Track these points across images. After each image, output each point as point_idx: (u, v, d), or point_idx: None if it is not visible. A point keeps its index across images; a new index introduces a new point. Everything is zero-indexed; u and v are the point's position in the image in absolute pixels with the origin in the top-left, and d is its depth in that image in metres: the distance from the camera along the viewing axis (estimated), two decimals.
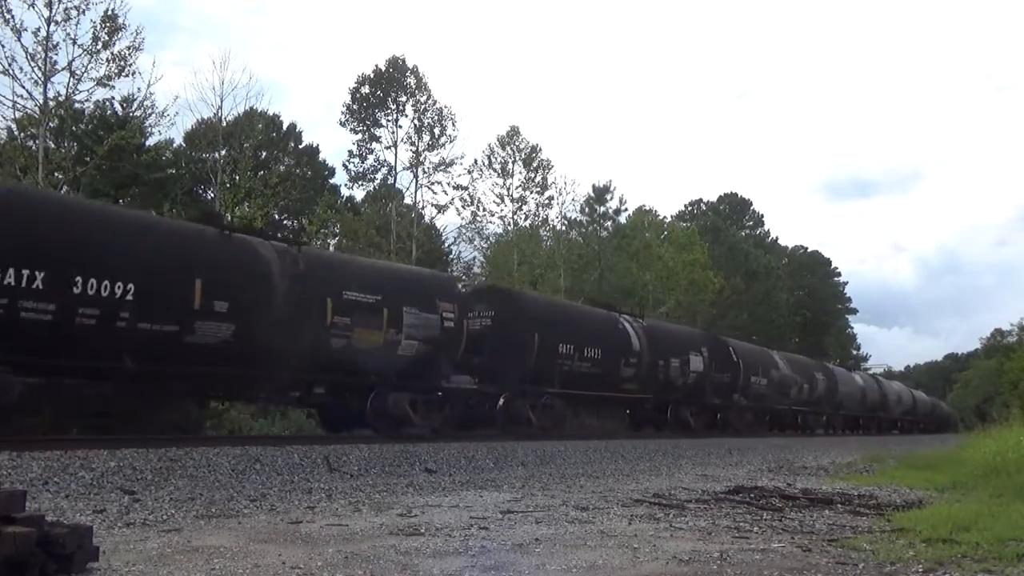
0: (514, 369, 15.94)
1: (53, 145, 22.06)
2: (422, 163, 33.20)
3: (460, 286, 17.35)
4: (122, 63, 19.72)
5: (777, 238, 71.70)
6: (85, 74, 19.30)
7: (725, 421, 24.41)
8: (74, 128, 24.80)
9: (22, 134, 21.52)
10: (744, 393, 24.80)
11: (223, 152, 25.51)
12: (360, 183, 35.68)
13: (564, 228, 38.94)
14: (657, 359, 20.37)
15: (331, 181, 41.11)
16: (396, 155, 33.36)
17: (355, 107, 34.22)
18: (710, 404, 23.38)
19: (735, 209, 68.26)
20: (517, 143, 37.15)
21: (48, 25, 18.57)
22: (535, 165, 37.00)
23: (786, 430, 28.72)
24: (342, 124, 34.50)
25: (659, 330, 22.06)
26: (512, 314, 16.43)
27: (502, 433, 14.99)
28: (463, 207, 35.54)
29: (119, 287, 9.81)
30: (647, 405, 20.76)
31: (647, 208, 45.18)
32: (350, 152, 34.84)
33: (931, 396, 58.41)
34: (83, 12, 19.01)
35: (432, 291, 14.48)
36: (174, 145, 32.05)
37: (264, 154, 35.50)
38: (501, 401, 15.67)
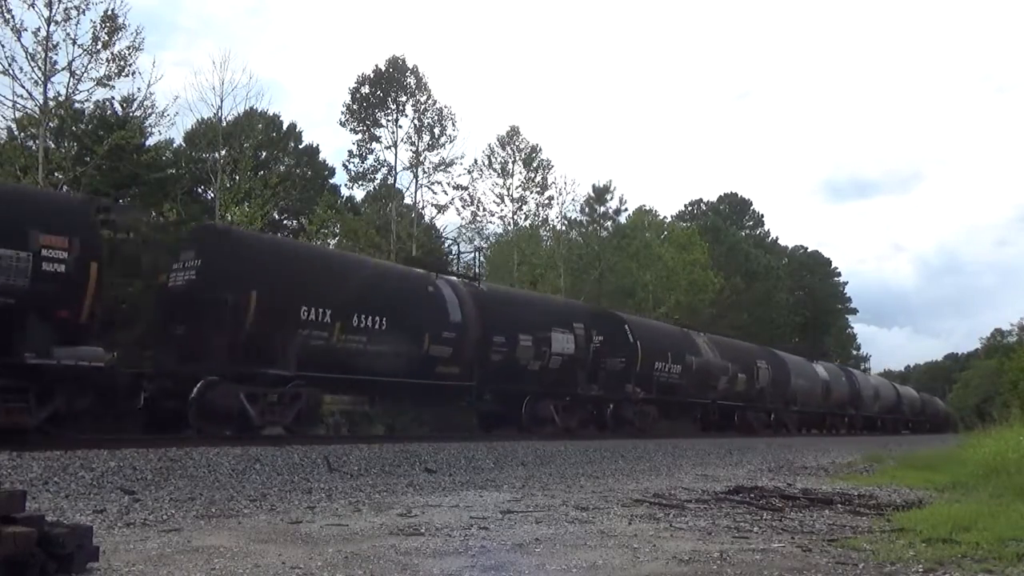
0: (217, 341, 11.27)
1: (53, 145, 22.05)
2: (422, 163, 33.20)
3: (100, 210, 11.14)
4: (122, 63, 19.71)
5: (777, 238, 71.85)
6: (85, 74, 19.28)
7: (618, 418, 19.59)
8: (74, 128, 24.78)
9: (22, 134, 21.52)
10: (643, 383, 19.95)
11: (223, 152, 25.48)
12: (360, 183, 35.64)
13: (564, 228, 38.94)
14: (491, 335, 15.60)
15: (331, 181, 41.15)
16: (396, 155, 33.35)
17: (355, 107, 34.18)
18: (587, 396, 18.46)
19: (735, 209, 68.29)
20: (517, 143, 37.13)
21: (48, 25, 18.55)
22: (535, 165, 36.99)
23: (726, 430, 24.19)
24: (342, 124, 34.47)
25: (500, 298, 16.90)
26: (222, 263, 11.73)
27: (198, 436, 10.87)
28: (463, 207, 35.56)
29: None
30: (481, 395, 15.81)
31: (647, 208, 45.26)
32: (350, 152, 34.80)
33: (925, 393, 56.07)
34: (83, 12, 19.00)
35: (14, 213, 9.67)
36: (174, 145, 32.07)
37: (264, 154, 35.49)
38: (196, 388, 10.90)
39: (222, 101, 24.20)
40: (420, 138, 33.21)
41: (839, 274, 79.05)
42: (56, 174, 20.70)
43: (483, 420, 17.40)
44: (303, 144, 41.76)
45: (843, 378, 35.33)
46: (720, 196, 68.87)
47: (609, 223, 42.07)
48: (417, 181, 33.25)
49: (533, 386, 16.93)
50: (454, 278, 16.18)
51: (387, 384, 13.98)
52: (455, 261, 37.80)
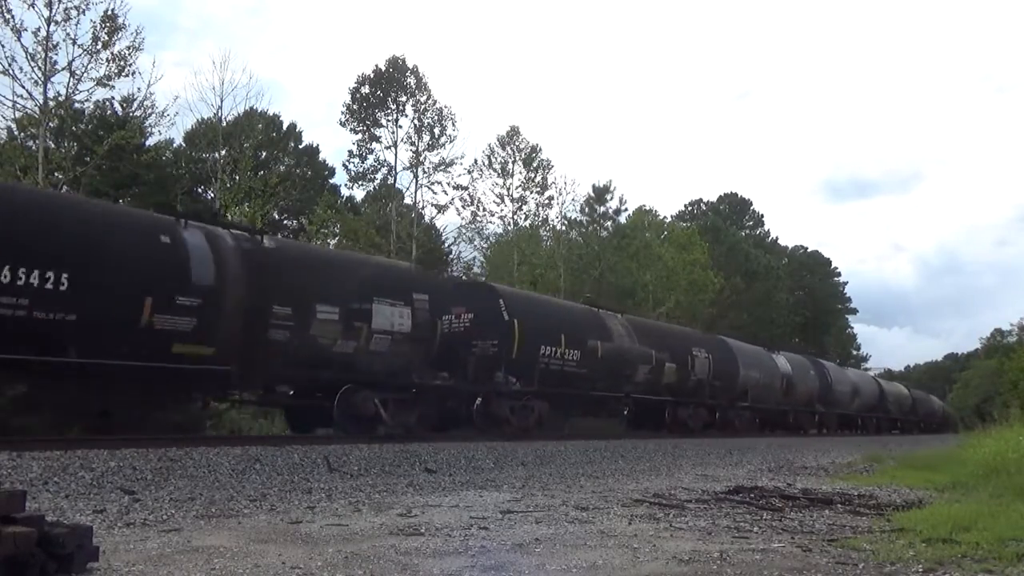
0: None
1: (53, 145, 22.06)
2: (422, 163, 33.21)
3: None
4: (122, 63, 19.74)
5: (777, 238, 71.93)
6: (85, 74, 19.32)
7: (489, 415, 15.82)
8: (74, 128, 24.80)
9: (22, 134, 21.54)
10: (522, 371, 16.09)
11: (223, 152, 25.51)
12: (360, 183, 35.68)
13: (564, 228, 38.97)
14: (269, 304, 11.78)
15: (331, 181, 41.21)
16: (396, 155, 33.36)
17: (355, 107, 34.19)
18: (432, 387, 14.52)
19: (735, 209, 68.34)
20: (517, 143, 37.17)
21: (48, 25, 18.58)
22: (535, 165, 37.03)
23: (661, 429, 20.86)
24: (342, 124, 34.50)
25: (289, 257, 13.13)
26: None
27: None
28: (463, 207, 35.58)
29: None
30: (249, 385, 12.52)
31: (647, 208, 45.27)
32: (350, 152, 34.83)
33: (919, 391, 53.60)
34: (83, 12, 19.03)
35: None
36: (174, 145, 32.10)
37: (264, 154, 35.52)
38: None
39: (222, 101, 24.28)
40: (420, 138, 33.25)
41: (839, 274, 79.24)
42: (56, 174, 20.71)
43: (292, 417, 14.34)
44: (303, 144, 41.83)
45: (811, 371, 31.48)
46: (720, 196, 69.01)
47: (609, 223, 42.12)
48: (417, 181, 33.29)
49: (345, 373, 12.96)
50: (219, 228, 12.19)
51: (83, 368, 10.05)
52: (455, 261, 37.89)
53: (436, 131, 33.37)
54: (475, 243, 37.65)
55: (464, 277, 28.46)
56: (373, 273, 14.13)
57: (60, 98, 19.36)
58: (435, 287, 15.55)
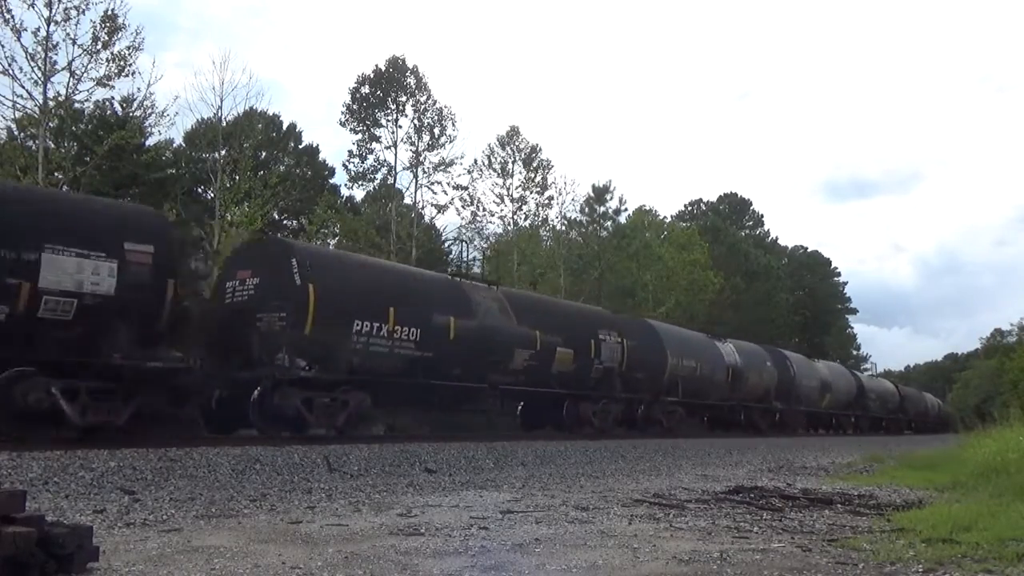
0: None
1: (53, 145, 22.06)
2: (422, 163, 33.23)
3: None
4: (122, 63, 19.76)
5: (777, 238, 72.05)
6: (85, 74, 19.36)
7: (269, 411, 11.89)
8: (74, 128, 24.81)
9: (22, 134, 21.54)
10: (320, 353, 12.29)
11: (223, 152, 25.50)
12: (360, 183, 35.69)
13: (564, 228, 38.97)
14: None
15: (331, 181, 41.24)
16: (396, 155, 33.37)
17: (355, 107, 34.21)
18: (147, 370, 10.35)
19: (735, 209, 68.41)
20: (517, 143, 37.19)
21: (48, 25, 18.62)
22: (535, 165, 37.05)
23: (562, 429, 17.46)
24: (342, 124, 34.52)
25: None
26: None
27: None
28: (463, 207, 35.60)
29: None
30: None
31: (647, 208, 45.30)
32: (350, 152, 34.85)
33: (912, 388, 51.64)
34: (83, 12, 19.05)
35: None
36: (174, 145, 32.12)
37: (264, 154, 35.54)
38: None
39: (222, 101, 24.26)
40: (420, 138, 33.27)
41: (839, 274, 79.41)
42: (56, 174, 20.71)
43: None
44: (303, 144, 41.89)
45: (768, 363, 27.60)
46: (720, 196, 69.13)
47: (609, 223, 42.13)
48: (417, 181, 33.31)
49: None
50: None
51: None
52: (455, 261, 37.90)
53: (436, 131, 33.42)
54: (475, 243, 37.71)
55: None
56: (43, 209, 10.08)
57: (60, 98, 19.38)
58: (170, 234, 11.33)
